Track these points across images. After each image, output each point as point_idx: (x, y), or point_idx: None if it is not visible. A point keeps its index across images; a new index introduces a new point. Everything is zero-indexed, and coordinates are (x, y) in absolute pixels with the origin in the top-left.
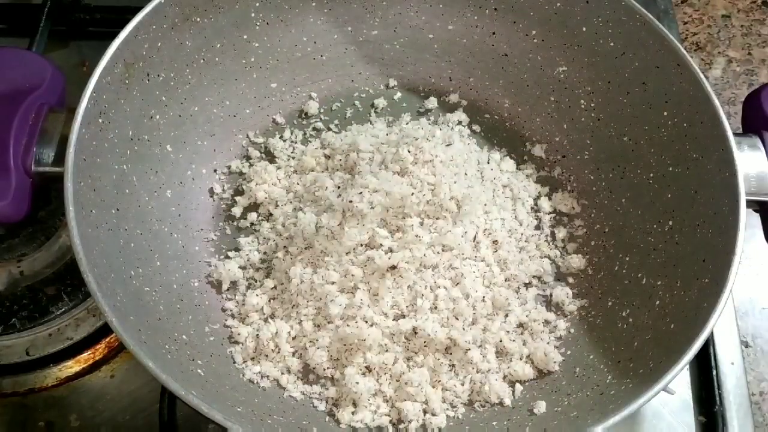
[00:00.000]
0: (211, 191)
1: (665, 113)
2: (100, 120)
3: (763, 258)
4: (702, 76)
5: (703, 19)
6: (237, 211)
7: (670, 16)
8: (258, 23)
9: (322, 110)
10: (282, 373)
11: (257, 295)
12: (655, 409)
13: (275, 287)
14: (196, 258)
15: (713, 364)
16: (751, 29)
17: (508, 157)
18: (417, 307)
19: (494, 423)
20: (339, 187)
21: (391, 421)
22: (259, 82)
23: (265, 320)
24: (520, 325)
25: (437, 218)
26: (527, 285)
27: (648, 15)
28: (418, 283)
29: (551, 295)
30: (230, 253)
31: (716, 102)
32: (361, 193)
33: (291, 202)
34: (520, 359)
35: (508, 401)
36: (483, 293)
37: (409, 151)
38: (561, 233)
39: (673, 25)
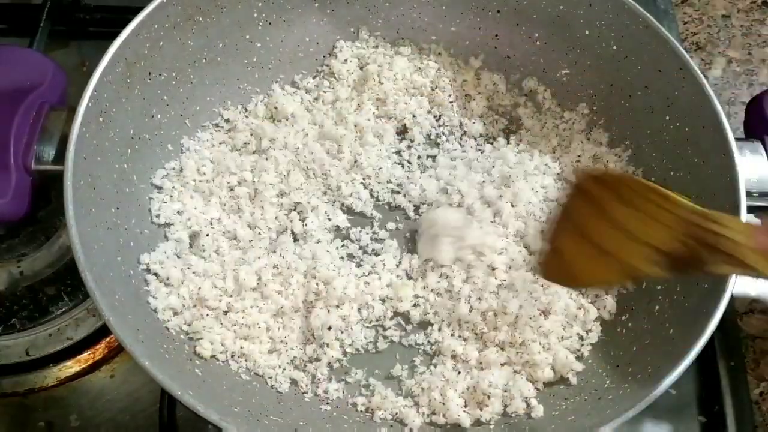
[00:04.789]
0: None
1: (667, 117)
2: (101, 119)
3: None
4: (704, 80)
5: (703, 19)
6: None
7: (670, 17)
8: (260, 23)
9: None
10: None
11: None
12: (655, 409)
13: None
14: None
15: (713, 364)
16: (751, 29)
17: None
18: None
19: (491, 426)
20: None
21: (395, 418)
22: (262, 82)
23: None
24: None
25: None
26: None
27: (651, 18)
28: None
29: None
30: None
31: (718, 107)
32: None
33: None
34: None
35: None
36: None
37: None
38: None
39: (673, 26)
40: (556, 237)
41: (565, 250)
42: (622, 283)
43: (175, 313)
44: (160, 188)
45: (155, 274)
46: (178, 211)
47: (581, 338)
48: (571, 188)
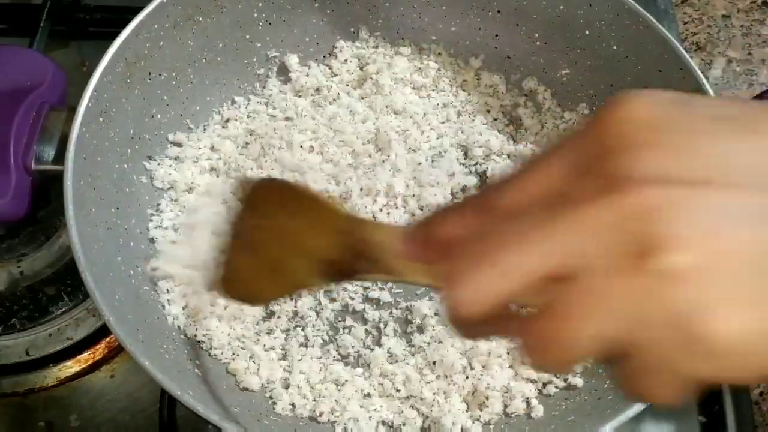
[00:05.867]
0: None
1: None
2: (101, 119)
3: None
4: (705, 81)
5: (703, 19)
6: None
7: (670, 16)
8: (260, 23)
9: None
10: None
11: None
12: (656, 409)
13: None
14: None
15: None
16: (751, 29)
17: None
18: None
19: (491, 426)
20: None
21: (395, 419)
22: (261, 82)
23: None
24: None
25: None
26: None
27: (651, 19)
28: None
29: None
30: None
31: None
32: None
33: None
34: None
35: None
36: None
37: None
38: None
39: (673, 26)
40: (230, 252)
41: (241, 268)
42: (289, 295)
43: (175, 312)
44: (160, 189)
45: (156, 274)
46: (180, 210)
47: None
48: (240, 197)
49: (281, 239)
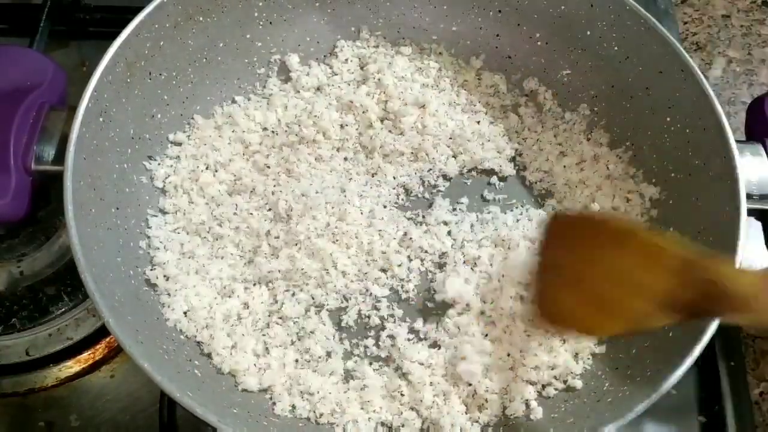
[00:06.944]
0: None
1: (668, 119)
2: (101, 119)
3: (763, 258)
4: (706, 82)
5: (703, 19)
6: None
7: (670, 16)
8: (261, 23)
9: None
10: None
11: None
12: (656, 409)
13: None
14: None
15: (713, 364)
16: (751, 29)
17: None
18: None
19: (490, 428)
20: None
21: (395, 421)
22: (262, 81)
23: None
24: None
25: None
26: None
27: (652, 19)
28: None
29: None
30: None
31: (719, 109)
32: None
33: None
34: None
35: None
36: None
37: None
38: None
39: (673, 26)
40: (544, 284)
41: (563, 300)
42: (633, 331)
43: (175, 313)
44: (161, 189)
45: (156, 275)
46: (177, 212)
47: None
48: (545, 233)
49: (608, 276)
